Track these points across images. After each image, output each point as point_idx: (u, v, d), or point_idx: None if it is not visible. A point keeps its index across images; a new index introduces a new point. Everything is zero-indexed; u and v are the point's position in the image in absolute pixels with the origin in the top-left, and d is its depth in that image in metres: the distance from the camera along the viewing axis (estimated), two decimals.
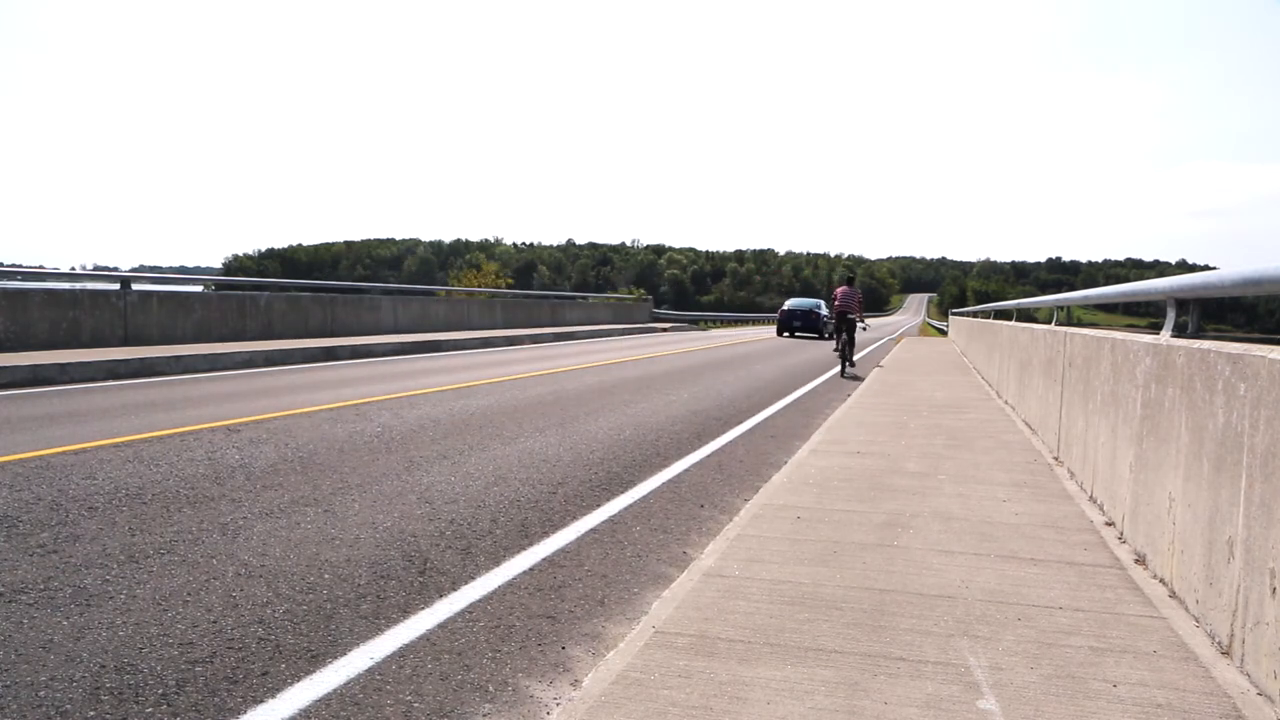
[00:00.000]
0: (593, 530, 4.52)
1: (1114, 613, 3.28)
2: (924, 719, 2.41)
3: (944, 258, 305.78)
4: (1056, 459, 6.55)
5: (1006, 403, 10.45)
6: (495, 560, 3.94)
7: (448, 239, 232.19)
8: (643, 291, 59.52)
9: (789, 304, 30.18)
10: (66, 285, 12.94)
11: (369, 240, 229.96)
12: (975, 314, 22.76)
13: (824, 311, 28.42)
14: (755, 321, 68.72)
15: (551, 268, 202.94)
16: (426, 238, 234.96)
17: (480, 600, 3.46)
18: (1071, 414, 6.06)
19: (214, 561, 3.70)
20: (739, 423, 8.65)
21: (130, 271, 19.02)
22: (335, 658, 2.87)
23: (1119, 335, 4.93)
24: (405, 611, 3.29)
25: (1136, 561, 3.95)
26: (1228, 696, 2.59)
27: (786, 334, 28.77)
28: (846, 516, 4.61)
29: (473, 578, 3.70)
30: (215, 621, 3.09)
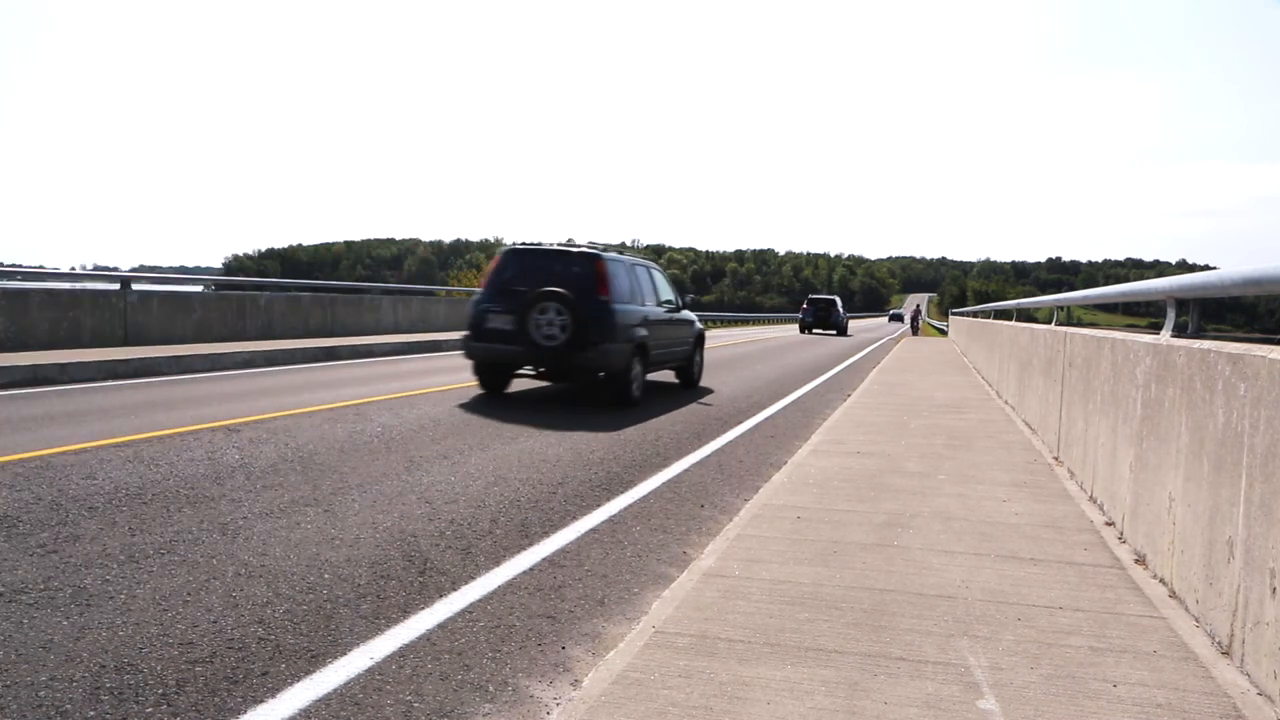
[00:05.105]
0: (593, 530, 4.52)
1: (1114, 613, 3.28)
2: (924, 719, 2.41)
3: (944, 258, 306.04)
4: (1056, 459, 6.55)
5: (1007, 403, 10.45)
6: (495, 560, 3.94)
7: (448, 239, 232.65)
8: None
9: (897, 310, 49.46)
10: (66, 285, 12.91)
11: (369, 240, 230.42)
12: (975, 314, 22.77)
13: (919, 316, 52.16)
14: (756, 321, 68.68)
15: None
16: (426, 238, 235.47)
17: (480, 600, 3.46)
18: (1071, 414, 6.06)
19: (214, 561, 3.70)
20: (739, 423, 8.65)
21: (130, 271, 19.00)
22: (335, 658, 2.87)
23: (1119, 335, 4.93)
24: (405, 611, 3.29)
25: (1136, 561, 3.95)
26: (1228, 696, 2.59)
27: (897, 322, 45.85)
28: (846, 516, 4.61)
29: (473, 578, 3.70)
30: (215, 621, 3.09)
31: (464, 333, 9.71)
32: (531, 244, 9.96)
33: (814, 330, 39.77)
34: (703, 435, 7.74)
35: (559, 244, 9.89)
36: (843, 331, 40.86)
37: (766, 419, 9.10)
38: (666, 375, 12.53)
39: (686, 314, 11.88)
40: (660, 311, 10.70)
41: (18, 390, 8.61)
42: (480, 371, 9.79)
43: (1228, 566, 2.88)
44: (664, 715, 2.40)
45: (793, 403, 10.75)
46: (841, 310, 41.80)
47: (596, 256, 9.47)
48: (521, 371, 9.68)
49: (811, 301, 41.10)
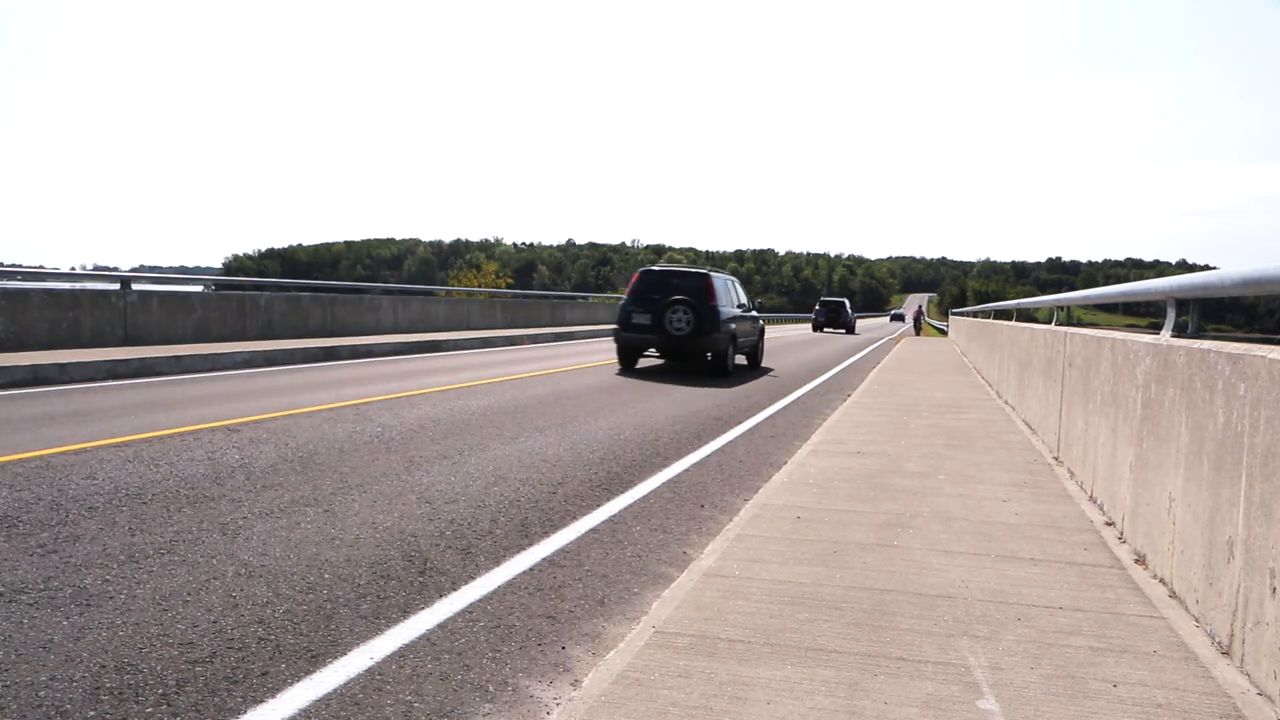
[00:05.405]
0: (593, 530, 4.52)
1: (1114, 613, 3.29)
2: (924, 719, 2.41)
3: (944, 258, 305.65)
4: (1056, 459, 6.55)
5: (1006, 403, 10.45)
6: (495, 560, 3.94)
7: (448, 239, 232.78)
8: None
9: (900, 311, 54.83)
10: (66, 285, 12.90)
11: (369, 240, 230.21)
12: (975, 314, 22.78)
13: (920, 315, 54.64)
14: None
15: (551, 268, 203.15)
16: (426, 238, 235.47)
17: (480, 600, 3.46)
18: (1071, 414, 6.06)
19: (214, 561, 3.70)
20: (739, 423, 8.65)
21: (130, 271, 18.98)
22: (335, 658, 2.87)
23: (1119, 335, 4.93)
24: (405, 611, 3.29)
25: (1136, 561, 3.95)
26: (1228, 696, 2.59)
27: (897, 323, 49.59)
28: (847, 516, 4.61)
29: (473, 578, 3.70)
30: (215, 621, 3.09)
31: (614, 326, 14.02)
32: (661, 266, 14.48)
33: (825, 329, 43.61)
34: (703, 435, 7.74)
35: (680, 267, 14.53)
36: (851, 330, 44.77)
37: (766, 419, 9.10)
38: (666, 381, 12.77)
39: (754, 313, 16.10)
40: (739, 311, 14.66)
41: (18, 390, 8.61)
42: (623, 353, 13.89)
43: (1228, 566, 2.88)
44: (664, 715, 2.40)
45: (793, 402, 10.75)
46: (850, 311, 46.43)
47: (707, 274, 13.83)
48: (647, 353, 14.09)
49: (824, 303, 45.86)
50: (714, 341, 13.27)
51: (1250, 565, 2.69)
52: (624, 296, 14.09)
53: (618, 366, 14.06)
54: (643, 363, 14.83)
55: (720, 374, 13.40)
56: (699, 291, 13.39)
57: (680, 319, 13.12)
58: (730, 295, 14.40)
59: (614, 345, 13.97)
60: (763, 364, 16.51)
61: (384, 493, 5.01)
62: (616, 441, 7.14)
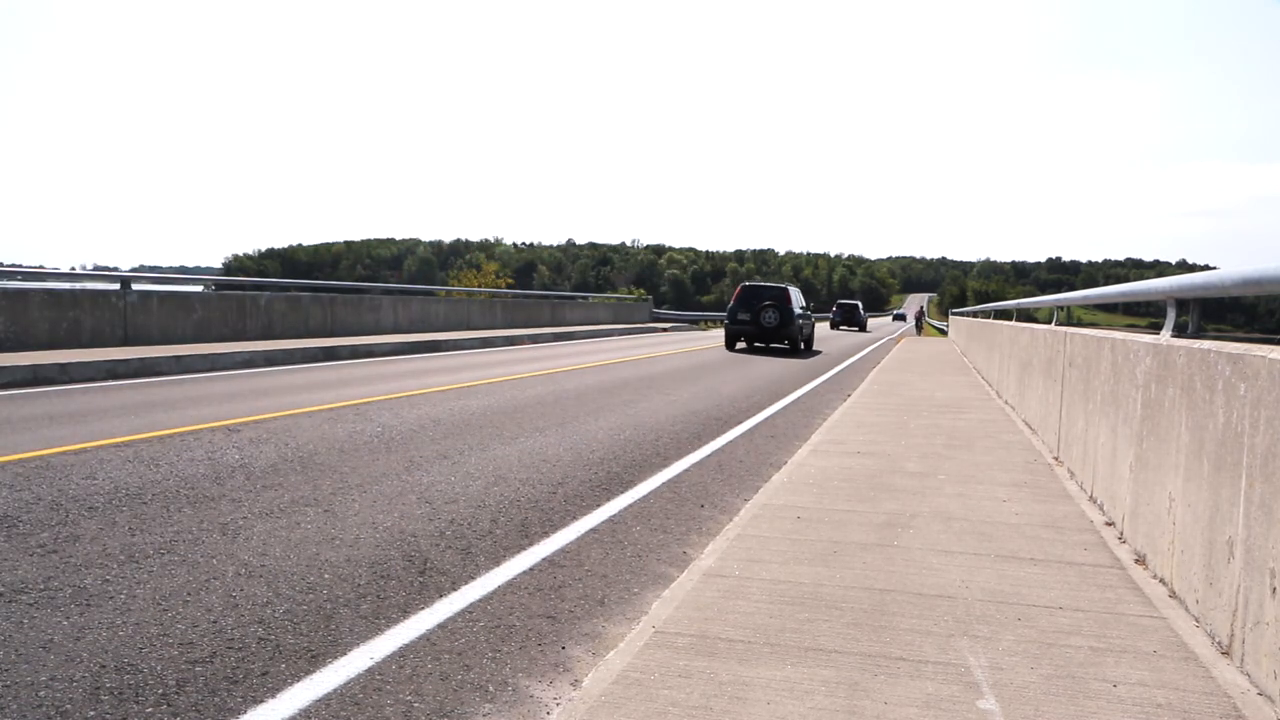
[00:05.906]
0: (593, 530, 4.52)
1: (1114, 613, 3.29)
2: (924, 719, 2.41)
3: (944, 258, 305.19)
4: (1056, 459, 6.55)
5: (1007, 403, 10.46)
6: (495, 560, 3.94)
7: (448, 239, 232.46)
8: (643, 291, 60.40)
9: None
10: (66, 285, 12.90)
11: (369, 240, 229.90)
12: (975, 314, 22.78)
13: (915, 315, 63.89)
14: None
15: (551, 268, 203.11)
16: (426, 238, 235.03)
17: (480, 600, 3.46)
18: (1071, 414, 6.06)
19: (214, 561, 3.70)
20: (739, 423, 8.65)
21: (130, 271, 18.97)
22: (335, 658, 2.87)
23: (1119, 335, 4.93)
24: (405, 611, 3.29)
25: (1136, 561, 3.95)
26: (1228, 696, 2.59)
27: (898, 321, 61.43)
28: (846, 516, 4.61)
29: (473, 578, 3.70)
30: (215, 621, 3.10)
31: (724, 320, 21.96)
32: (754, 282, 22.25)
33: (840, 327, 51.34)
34: (703, 435, 7.74)
35: (768, 282, 23.26)
36: (863, 328, 53.20)
37: (766, 419, 9.11)
38: (666, 381, 12.81)
39: (808, 313, 23.16)
40: (802, 311, 21.76)
41: (18, 390, 8.61)
42: (730, 338, 21.40)
43: (1228, 566, 2.88)
44: (664, 715, 2.40)
45: (793, 403, 10.75)
46: (862, 312, 55.90)
47: (786, 289, 21.30)
48: (740, 342, 21.47)
49: (840, 305, 55.39)
50: (790, 332, 20.53)
51: (1250, 565, 2.69)
52: (729, 303, 21.53)
53: (617, 366, 14.14)
54: (632, 369, 14.85)
55: (794, 353, 20.67)
56: (781, 299, 20.64)
57: (770, 316, 20.41)
58: (798, 300, 21.53)
59: (723, 332, 23.61)
60: (812, 348, 23.40)
61: (384, 493, 5.01)
62: (616, 441, 7.14)
